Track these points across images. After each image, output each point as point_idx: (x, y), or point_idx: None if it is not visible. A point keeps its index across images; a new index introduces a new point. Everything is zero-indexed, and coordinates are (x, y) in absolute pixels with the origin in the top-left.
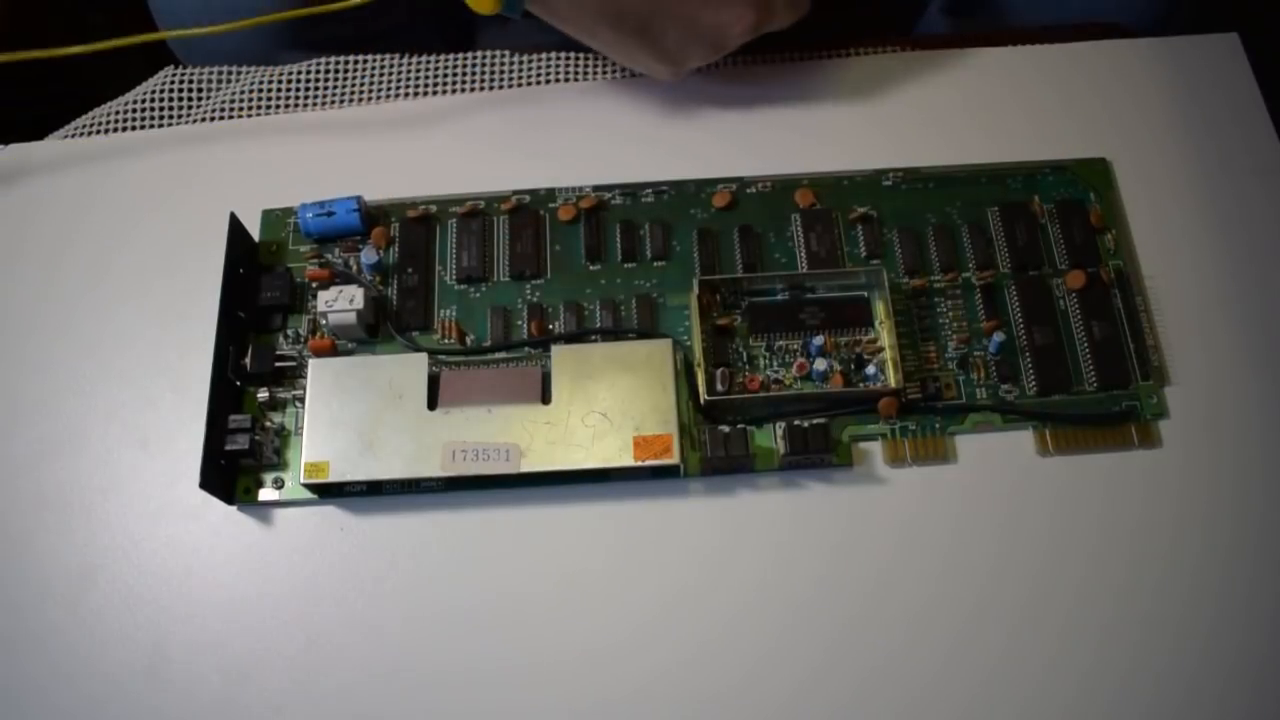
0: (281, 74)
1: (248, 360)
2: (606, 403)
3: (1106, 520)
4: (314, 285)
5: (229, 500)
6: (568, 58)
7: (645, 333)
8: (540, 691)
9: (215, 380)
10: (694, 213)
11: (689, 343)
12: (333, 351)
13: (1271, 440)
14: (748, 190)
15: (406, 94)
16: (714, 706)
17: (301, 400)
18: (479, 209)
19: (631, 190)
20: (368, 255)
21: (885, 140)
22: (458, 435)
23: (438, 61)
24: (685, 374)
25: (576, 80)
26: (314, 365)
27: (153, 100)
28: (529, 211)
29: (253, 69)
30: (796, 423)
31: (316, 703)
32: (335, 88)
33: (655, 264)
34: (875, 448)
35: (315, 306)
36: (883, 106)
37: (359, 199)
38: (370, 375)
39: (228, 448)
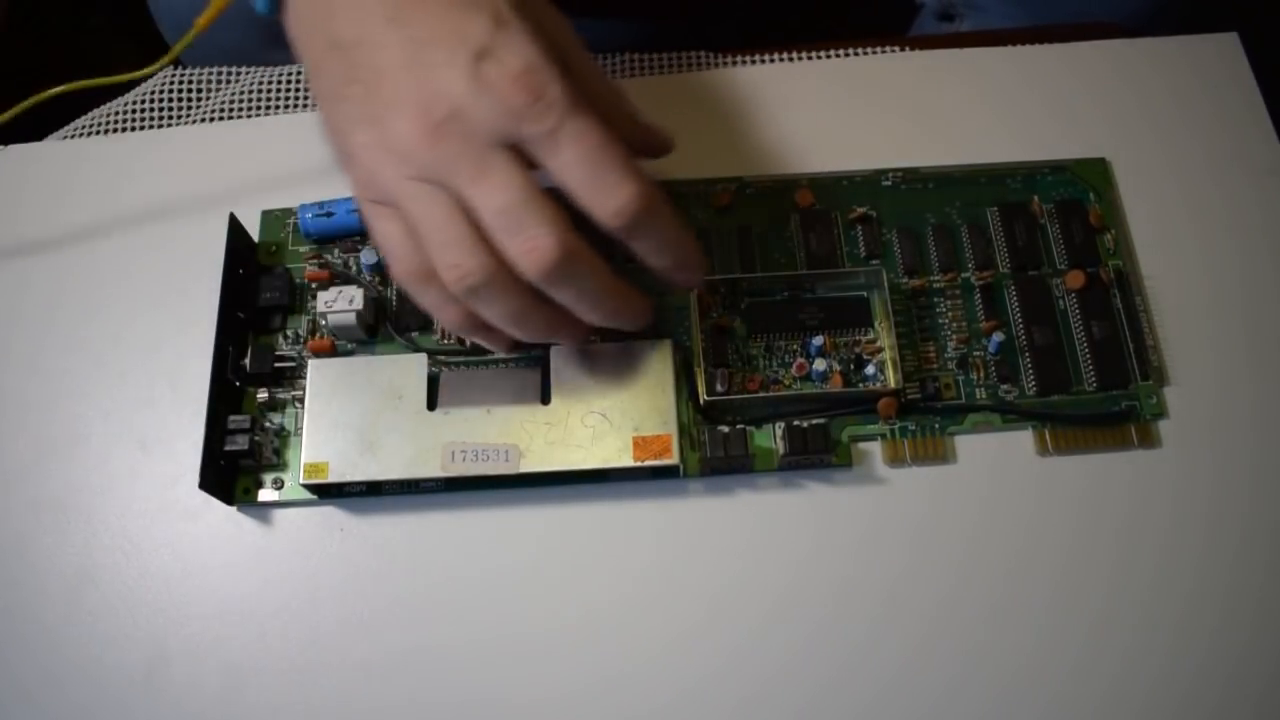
0: (281, 74)
1: (247, 360)
2: (606, 403)
3: (1106, 520)
4: (313, 286)
5: (229, 501)
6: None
7: (645, 333)
8: (539, 690)
9: (215, 381)
10: (694, 213)
11: (688, 343)
12: (332, 352)
13: (1271, 440)
14: (747, 190)
15: None
16: (713, 707)
17: (301, 400)
18: None
19: None
20: (367, 256)
21: (884, 140)
22: (457, 436)
23: None
24: (685, 374)
25: None
26: (313, 366)
27: (153, 100)
28: None
29: (253, 69)
30: (796, 423)
31: (316, 703)
32: None
33: None
34: (875, 448)
35: (315, 307)
36: (882, 106)
37: None
38: (370, 376)
39: (227, 448)
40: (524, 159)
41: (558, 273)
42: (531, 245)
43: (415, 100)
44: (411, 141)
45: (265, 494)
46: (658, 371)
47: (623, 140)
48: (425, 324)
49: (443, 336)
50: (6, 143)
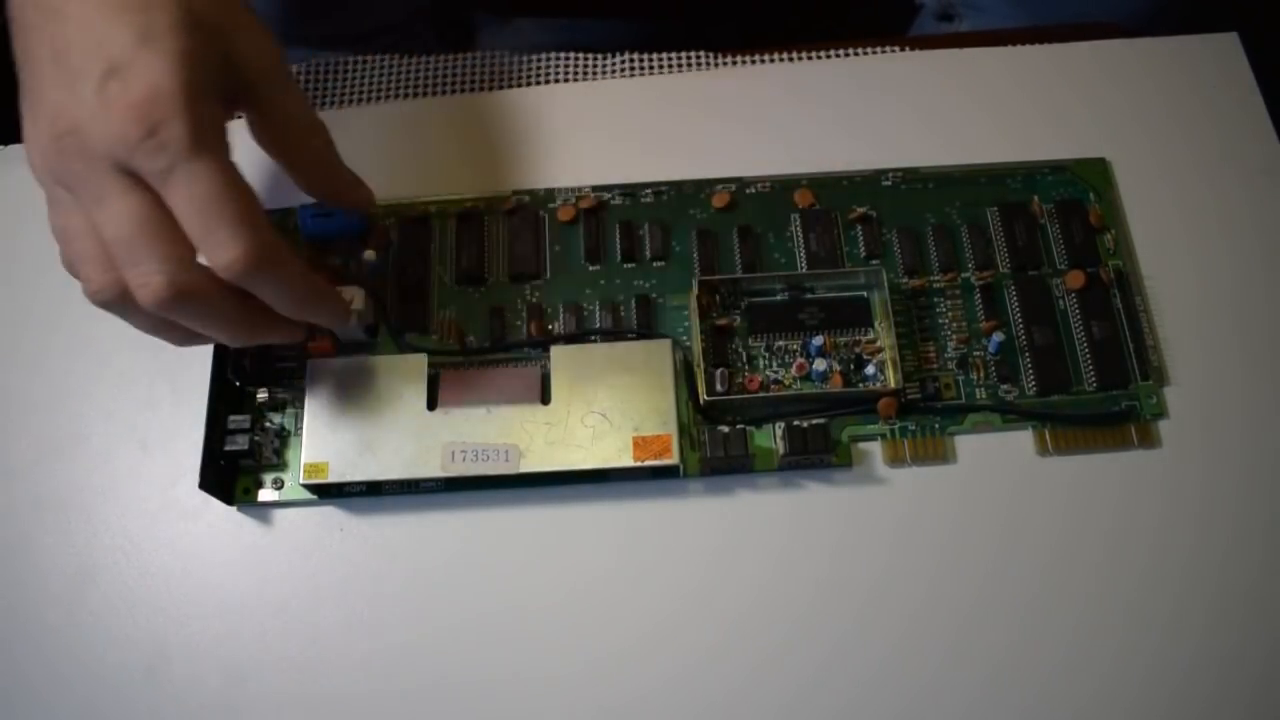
0: None
1: (247, 361)
2: (606, 403)
3: (1106, 520)
4: None
5: (228, 501)
6: (568, 58)
7: (645, 333)
8: (539, 691)
9: (215, 381)
10: (693, 213)
11: (688, 343)
12: (332, 352)
13: (1271, 440)
14: (747, 190)
15: (406, 94)
16: (713, 707)
17: (301, 400)
18: (478, 209)
19: (631, 190)
20: (367, 256)
21: (885, 140)
22: (457, 436)
23: (438, 61)
24: (685, 374)
25: (576, 80)
26: (313, 366)
27: None
28: (529, 212)
29: None
30: (796, 423)
31: (316, 703)
32: (335, 88)
33: (655, 264)
34: (875, 448)
35: None
36: (882, 106)
37: None
38: (370, 376)
39: (227, 448)
40: (148, 184)
41: (172, 307)
42: (142, 281)
43: (48, 105)
44: (42, 147)
45: (265, 494)
46: (658, 371)
47: (323, 186)
48: (425, 324)
49: (442, 336)
50: (6, 142)
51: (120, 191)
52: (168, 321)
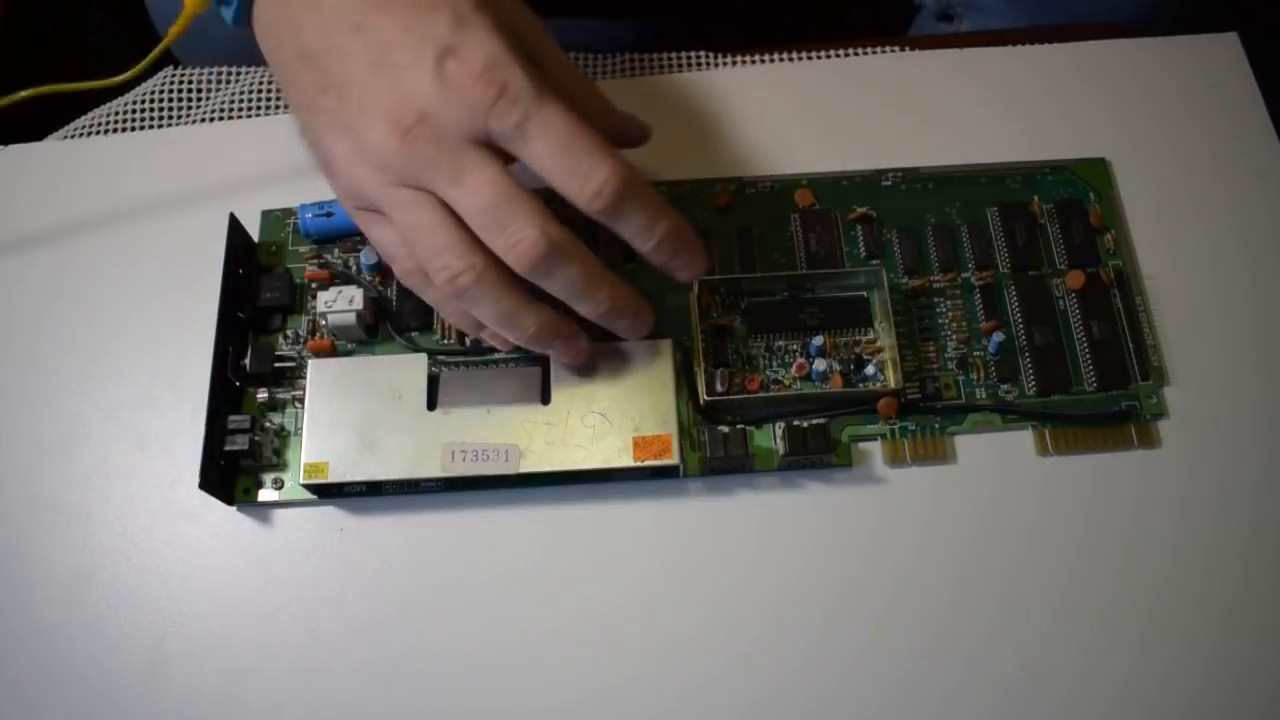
0: None
1: (247, 361)
2: (606, 403)
3: (1106, 520)
4: (313, 286)
5: (228, 501)
6: (567, 58)
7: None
8: (539, 691)
9: (215, 381)
10: (693, 213)
11: (688, 343)
12: (332, 352)
13: (1271, 440)
14: (747, 190)
15: None
16: (714, 707)
17: (301, 401)
18: None
19: None
20: (367, 255)
21: (884, 140)
22: (457, 436)
23: None
24: (685, 374)
25: None
26: (313, 366)
27: (153, 100)
28: None
29: (252, 69)
30: (796, 423)
31: (316, 703)
32: None
33: None
34: (875, 448)
35: (315, 307)
36: (882, 106)
37: None
38: (370, 376)
39: (227, 448)
40: (500, 154)
41: (545, 264)
42: (516, 239)
43: (384, 106)
44: (385, 148)
45: (265, 494)
46: (658, 371)
47: (597, 128)
48: (425, 324)
49: (442, 336)
50: (6, 142)
51: (479, 162)
52: (517, 310)
